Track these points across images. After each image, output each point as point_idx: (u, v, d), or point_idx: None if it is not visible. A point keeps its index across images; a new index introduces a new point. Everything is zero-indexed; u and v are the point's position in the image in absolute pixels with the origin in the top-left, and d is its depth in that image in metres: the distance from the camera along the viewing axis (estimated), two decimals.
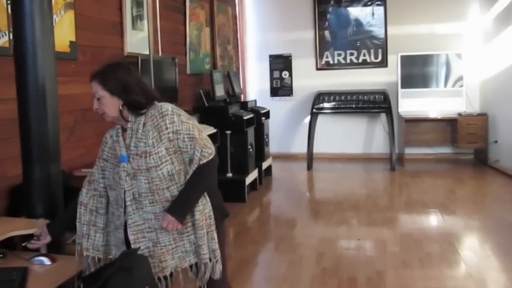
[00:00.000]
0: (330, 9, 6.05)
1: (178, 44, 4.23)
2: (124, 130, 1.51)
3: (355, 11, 6.01)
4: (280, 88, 6.26)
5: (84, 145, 2.79)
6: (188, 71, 4.38)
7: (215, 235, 1.52)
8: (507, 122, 4.96)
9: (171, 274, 1.52)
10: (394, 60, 5.83)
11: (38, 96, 1.84)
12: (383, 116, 5.77)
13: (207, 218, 1.50)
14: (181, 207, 1.46)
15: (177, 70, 3.71)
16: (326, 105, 5.63)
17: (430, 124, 5.67)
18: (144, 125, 1.45)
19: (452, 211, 3.87)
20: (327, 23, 6.07)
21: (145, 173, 1.43)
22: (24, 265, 1.57)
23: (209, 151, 1.47)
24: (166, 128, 1.43)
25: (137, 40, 3.35)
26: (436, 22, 5.75)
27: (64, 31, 2.53)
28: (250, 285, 2.12)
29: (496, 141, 5.24)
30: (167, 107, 1.47)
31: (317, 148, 5.78)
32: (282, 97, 6.26)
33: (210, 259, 1.51)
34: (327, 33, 6.10)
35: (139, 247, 1.47)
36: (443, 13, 5.73)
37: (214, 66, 5.08)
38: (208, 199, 1.52)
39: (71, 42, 2.60)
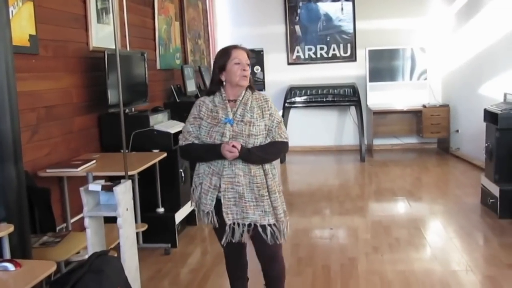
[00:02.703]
0: (301, 4, 6.10)
1: (147, 39, 4.14)
2: (229, 100, 1.88)
3: (325, 6, 6.09)
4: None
5: (49, 144, 2.64)
6: (158, 66, 4.30)
7: (283, 199, 1.90)
8: (467, 112, 5.19)
9: (249, 224, 1.81)
10: (362, 54, 5.96)
11: None
12: (352, 109, 5.91)
13: (278, 185, 1.89)
14: (249, 154, 1.80)
15: (146, 65, 3.63)
16: (298, 99, 5.70)
17: (396, 116, 5.85)
18: (251, 102, 1.87)
19: (418, 197, 4.02)
20: (297, 18, 6.12)
21: (245, 137, 1.82)
22: None
23: (285, 135, 1.92)
24: (268, 110, 1.88)
25: (104, 34, 3.24)
26: (401, 17, 5.91)
27: (22, 24, 2.38)
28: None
29: (457, 131, 5.49)
30: (268, 96, 1.97)
31: (290, 141, 5.82)
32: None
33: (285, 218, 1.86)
34: (297, 28, 6.15)
35: (110, 249, 1.45)
36: (408, 8, 5.90)
37: (185, 61, 5.02)
38: (276, 171, 1.92)
39: (31, 35, 2.45)
